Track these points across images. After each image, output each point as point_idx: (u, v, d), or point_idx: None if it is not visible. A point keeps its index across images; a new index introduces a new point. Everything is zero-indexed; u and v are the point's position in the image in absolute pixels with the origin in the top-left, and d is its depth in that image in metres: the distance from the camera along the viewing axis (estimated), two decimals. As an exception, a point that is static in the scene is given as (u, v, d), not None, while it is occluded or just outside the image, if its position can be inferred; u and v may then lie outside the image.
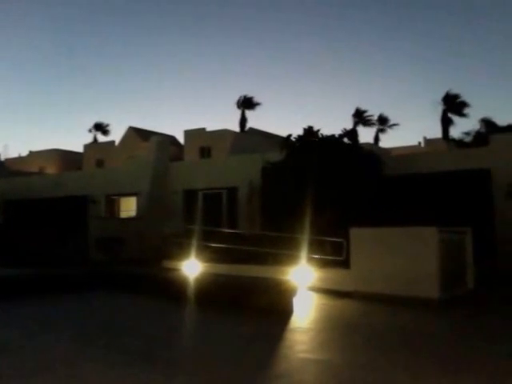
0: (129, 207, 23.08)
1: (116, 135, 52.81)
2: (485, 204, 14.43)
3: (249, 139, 28.29)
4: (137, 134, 35.30)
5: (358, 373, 5.32)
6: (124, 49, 67.95)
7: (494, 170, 14.59)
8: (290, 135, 15.39)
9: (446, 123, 32.36)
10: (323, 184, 13.27)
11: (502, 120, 31.77)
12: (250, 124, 35.42)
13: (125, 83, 70.85)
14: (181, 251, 13.91)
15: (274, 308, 8.54)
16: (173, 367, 5.51)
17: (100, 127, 42.11)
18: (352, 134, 18.15)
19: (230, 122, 60.68)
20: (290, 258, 11.89)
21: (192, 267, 12.71)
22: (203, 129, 28.89)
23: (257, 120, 50.16)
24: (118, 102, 71.22)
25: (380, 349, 6.37)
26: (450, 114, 32.37)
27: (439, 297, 9.46)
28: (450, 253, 10.52)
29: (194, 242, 13.94)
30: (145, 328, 7.65)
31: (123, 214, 23.37)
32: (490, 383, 4.97)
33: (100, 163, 33.61)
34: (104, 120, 43.05)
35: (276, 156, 15.16)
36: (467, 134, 29.67)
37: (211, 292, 9.43)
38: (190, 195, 20.41)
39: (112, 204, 23.30)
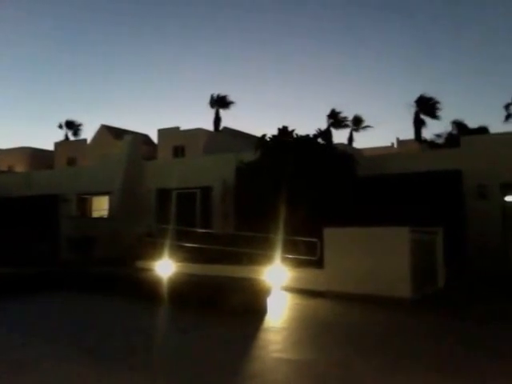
0: (101, 206, 22.78)
1: (88, 134, 52.11)
2: (456, 204, 14.66)
3: (223, 139, 28.19)
4: (109, 133, 34.82)
5: (331, 372, 5.34)
6: (96, 47, 67.07)
7: (465, 171, 14.82)
8: (264, 135, 15.39)
9: (419, 125, 32.80)
10: (297, 184, 13.31)
11: (472, 122, 32.37)
12: (224, 123, 35.33)
13: (97, 81, 69.93)
14: (154, 251, 13.78)
15: (248, 308, 8.52)
16: (145, 368, 5.44)
17: (71, 125, 41.40)
18: (326, 134, 18.24)
19: (204, 121, 60.43)
20: (264, 258, 11.89)
21: (166, 267, 12.60)
22: (177, 128, 28.66)
23: (231, 119, 50.12)
24: (90, 100, 70.23)
25: (353, 348, 6.41)
26: (422, 116, 32.82)
27: (411, 296, 9.58)
28: (422, 252, 10.67)
29: (168, 242, 13.82)
30: (115, 329, 7.55)
31: (95, 214, 23.07)
32: (459, 379, 5.05)
33: (71, 162, 33.06)
34: (76, 118, 42.36)
35: (250, 156, 15.14)
36: (439, 135, 30.16)
37: (185, 292, 9.35)
38: (163, 194, 20.24)
39: (84, 203, 22.96)
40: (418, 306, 9.41)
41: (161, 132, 28.93)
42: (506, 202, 14.38)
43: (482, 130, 27.17)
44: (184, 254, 13.47)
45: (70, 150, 34.57)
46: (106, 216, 21.82)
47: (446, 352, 6.21)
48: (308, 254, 11.60)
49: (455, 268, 12.31)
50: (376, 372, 5.32)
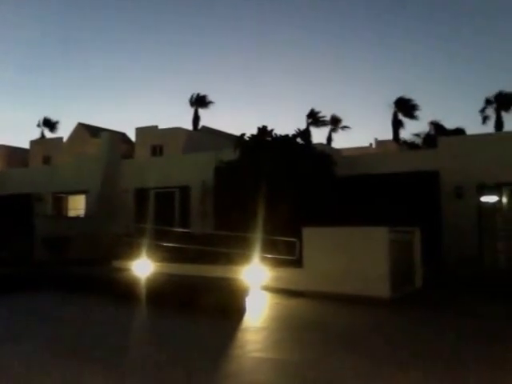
0: (77, 205, 22.47)
1: (64, 132, 51.38)
2: (433, 205, 14.79)
3: (202, 138, 28.02)
4: (86, 131, 34.37)
5: (310, 372, 5.32)
6: (73, 44, 66.16)
7: (442, 172, 14.97)
8: (243, 134, 15.32)
9: (397, 125, 33.10)
10: (276, 184, 13.28)
11: (451, 124, 32.68)
12: (203, 122, 35.11)
13: (74, 78, 68.95)
14: (132, 251, 13.61)
15: (227, 307, 8.45)
16: (120, 368, 5.34)
17: (48, 123, 40.75)
18: (305, 134, 18.20)
19: (183, 120, 60.12)
20: (243, 258, 11.83)
21: (143, 267, 12.45)
22: (155, 126, 28.42)
23: (211, 118, 49.85)
24: (67, 98, 69.19)
25: (332, 347, 6.41)
26: (400, 117, 33.13)
27: (390, 296, 9.64)
28: (400, 252, 10.74)
29: (146, 242, 13.66)
30: (91, 328, 7.42)
31: (71, 213, 22.74)
32: (436, 377, 5.07)
33: (47, 160, 32.53)
34: (53, 116, 41.67)
35: (230, 155, 15.06)
36: (417, 135, 30.44)
37: (163, 292, 9.25)
38: (141, 194, 20.05)
39: (59, 202, 22.63)
40: (396, 305, 9.47)
41: (139, 130, 28.66)
42: (482, 202, 14.56)
43: (459, 132, 27.49)
44: (162, 253, 13.34)
45: (46, 148, 34.00)
46: (82, 215, 21.52)
47: (426, 350, 6.24)
48: (287, 254, 11.58)
49: (432, 268, 12.42)
50: (355, 371, 5.31)
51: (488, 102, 30.45)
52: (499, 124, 29.99)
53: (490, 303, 9.71)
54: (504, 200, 14.27)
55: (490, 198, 14.47)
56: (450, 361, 5.74)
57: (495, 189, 14.38)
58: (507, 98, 29.94)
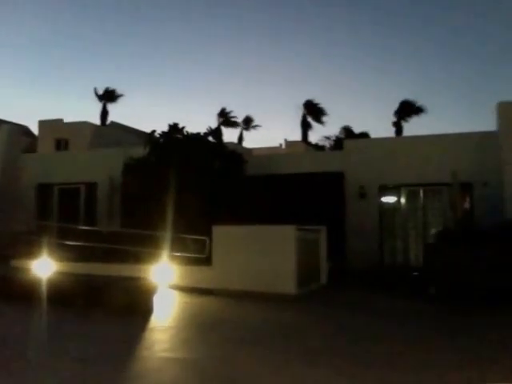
0: (-28, 201, 20.97)
1: (-41, 122, 47.79)
2: (338, 205, 15.34)
3: (110, 133, 27.18)
4: (-16, 122, 32.20)
5: (218, 369, 5.34)
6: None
7: (347, 173, 15.58)
8: (154, 131, 15.06)
9: (306, 127, 34.07)
10: (187, 182, 13.18)
11: (360, 128, 34.14)
12: (114, 118, 34.05)
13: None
14: (32, 249, 12.90)
15: (133, 307, 8.27)
16: (19, 371, 5.05)
17: None
18: (217, 132, 18.32)
19: (91, 114, 57.96)
20: (151, 256, 11.63)
21: (45, 266, 11.83)
22: (60, 120, 27.20)
23: (122, 114, 48.53)
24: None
25: (239, 344, 6.47)
26: (309, 119, 34.13)
27: (296, 292, 9.91)
28: (307, 250, 11.07)
29: (48, 240, 13.03)
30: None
31: (-35, 209, 21.21)
32: (337, 368, 5.27)
33: None
34: None
35: (140, 152, 14.74)
36: (328, 138, 31.58)
37: (65, 292, 8.83)
38: (44, 190, 19.11)
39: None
40: (301, 301, 9.75)
41: (42, 123, 27.31)
42: (383, 202, 15.33)
43: (364, 135, 28.82)
44: (66, 252, 12.81)
45: None
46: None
47: (327, 347, 6.47)
48: (197, 252, 11.55)
49: (337, 266, 12.90)
50: (261, 367, 5.39)
51: (398, 109, 31.92)
52: (399, 129, 31.73)
53: (385, 300, 10.30)
54: (402, 200, 15.11)
55: (390, 199, 15.27)
56: (348, 356, 5.99)
57: (395, 190, 15.20)
58: (409, 105, 31.71)
